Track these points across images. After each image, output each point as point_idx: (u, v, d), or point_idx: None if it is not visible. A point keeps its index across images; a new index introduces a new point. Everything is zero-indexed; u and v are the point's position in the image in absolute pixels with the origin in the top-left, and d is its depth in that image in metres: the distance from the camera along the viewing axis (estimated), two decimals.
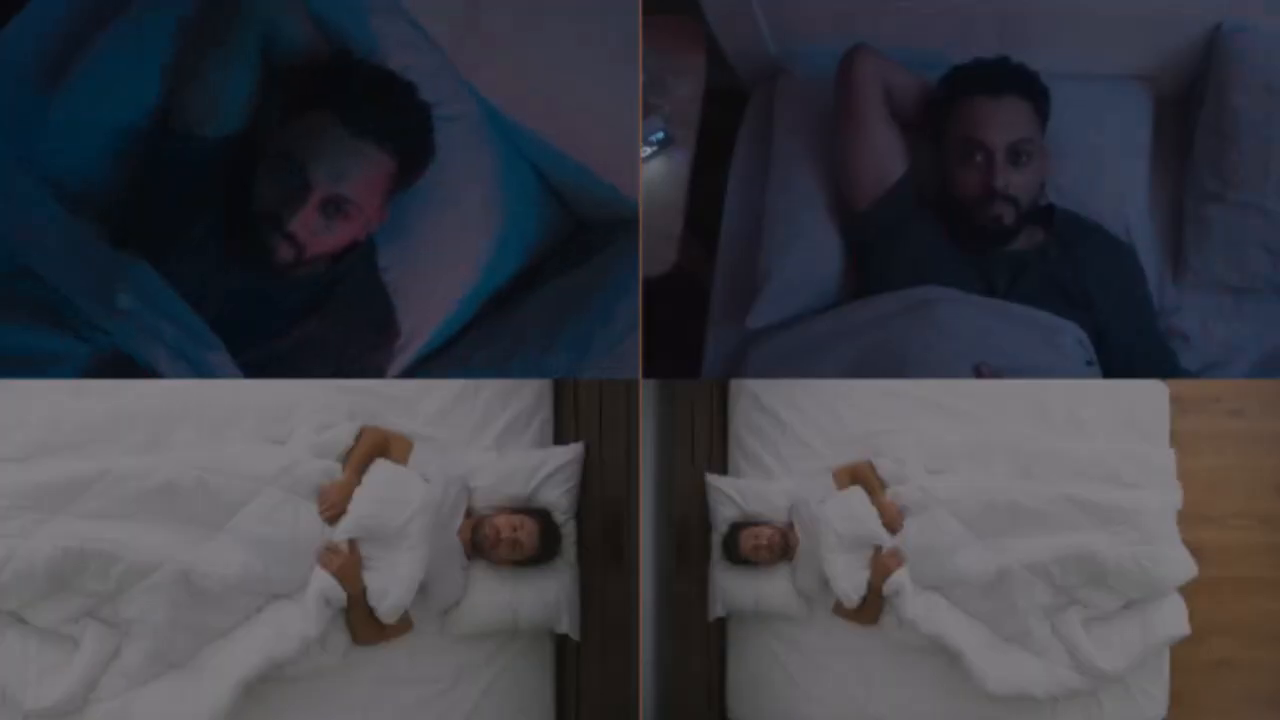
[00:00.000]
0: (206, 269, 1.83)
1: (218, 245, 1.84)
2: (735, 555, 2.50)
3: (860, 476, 2.46)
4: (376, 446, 2.21)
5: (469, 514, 2.28)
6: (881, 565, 2.34)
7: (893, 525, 2.37)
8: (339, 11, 1.93)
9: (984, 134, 2.00)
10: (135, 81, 1.85)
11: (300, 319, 1.90)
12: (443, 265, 2.05)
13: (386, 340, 2.00)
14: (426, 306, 2.04)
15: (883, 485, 2.44)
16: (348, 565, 2.06)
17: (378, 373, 2.01)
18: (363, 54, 1.91)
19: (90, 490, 1.91)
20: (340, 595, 2.04)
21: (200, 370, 1.74)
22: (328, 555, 2.06)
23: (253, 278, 1.85)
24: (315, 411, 2.22)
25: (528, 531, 2.22)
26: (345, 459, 2.19)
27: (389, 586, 2.08)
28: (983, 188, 2.01)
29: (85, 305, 1.71)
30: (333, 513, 2.10)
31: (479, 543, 2.22)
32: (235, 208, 1.83)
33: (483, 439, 2.37)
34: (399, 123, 1.86)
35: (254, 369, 1.82)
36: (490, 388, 2.39)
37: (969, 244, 2.08)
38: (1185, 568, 2.20)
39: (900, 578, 2.30)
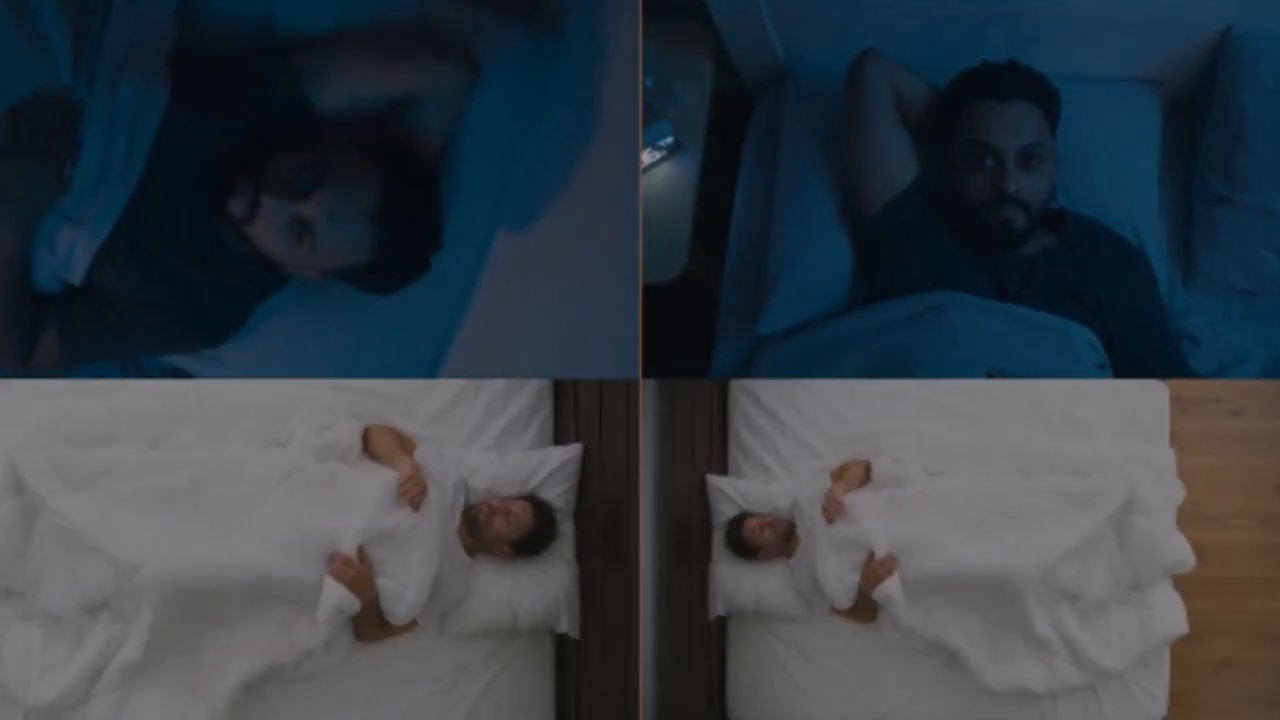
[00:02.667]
0: (198, 162, 1.78)
1: (228, 156, 1.80)
2: (738, 543, 2.50)
3: (844, 472, 2.45)
4: (400, 440, 2.21)
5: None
6: (872, 574, 2.30)
7: (830, 517, 2.36)
8: (479, 162, 1.97)
9: (994, 138, 1.99)
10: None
11: (192, 266, 1.83)
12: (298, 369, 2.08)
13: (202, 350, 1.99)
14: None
15: (862, 483, 2.43)
16: (360, 575, 2.02)
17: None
18: (448, 194, 1.94)
19: (91, 489, 1.90)
20: (354, 605, 2.00)
21: (95, 198, 1.73)
22: (341, 567, 2.00)
23: (205, 202, 1.79)
24: (315, 412, 2.21)
25: (521, 506, 2.22)
26: (346, 458, 2.17)
27: (404, 590, 2.06)
28: (993, 192, 2.00)
29: (103, 62, 1.71)
30: (414, 491, 2.11)
31: (474, 529, 2.21)
32: (264, 150, 1.79)
33: (483, 439, 2.36)
34: (408, 245, 1.87)
35: (123, 252, 1.78)
36: (490, 388, 2.38)
37: (979, 248, 2.07)
38: (1184, 552, 2.24)
39: (890, 586, 2.26)
